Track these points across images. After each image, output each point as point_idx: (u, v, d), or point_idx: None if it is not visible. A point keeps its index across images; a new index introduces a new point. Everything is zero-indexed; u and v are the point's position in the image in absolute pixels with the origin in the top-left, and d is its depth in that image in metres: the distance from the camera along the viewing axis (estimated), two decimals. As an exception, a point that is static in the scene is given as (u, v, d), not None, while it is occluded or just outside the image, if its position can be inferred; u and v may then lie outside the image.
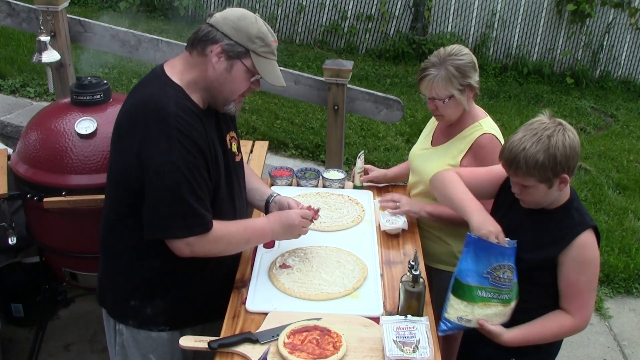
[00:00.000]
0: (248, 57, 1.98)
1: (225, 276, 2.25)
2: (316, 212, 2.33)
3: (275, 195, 2.40)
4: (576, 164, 1.99)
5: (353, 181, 2.92)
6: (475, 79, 2.43)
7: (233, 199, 2.18)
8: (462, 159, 2.48)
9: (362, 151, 2.95)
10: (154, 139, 1.89)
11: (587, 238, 2.01)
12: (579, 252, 2.00)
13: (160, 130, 1.89)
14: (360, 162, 2.87)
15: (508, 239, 2.06)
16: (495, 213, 2.17)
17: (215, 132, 2.08)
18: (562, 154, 1.93)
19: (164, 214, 1.93)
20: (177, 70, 2.02)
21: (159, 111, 1.91)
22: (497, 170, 2.20)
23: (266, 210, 2.39)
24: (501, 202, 2.23)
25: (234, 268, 2.30)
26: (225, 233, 2.05)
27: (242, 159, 2.30)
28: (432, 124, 2.71)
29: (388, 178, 2.91)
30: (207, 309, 2.19)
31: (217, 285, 2.21)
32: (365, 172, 2.90)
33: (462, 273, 2.07)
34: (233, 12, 2.00)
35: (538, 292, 2.10)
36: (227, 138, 2.17)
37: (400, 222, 2.50)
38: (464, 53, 2.42)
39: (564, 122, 1.98)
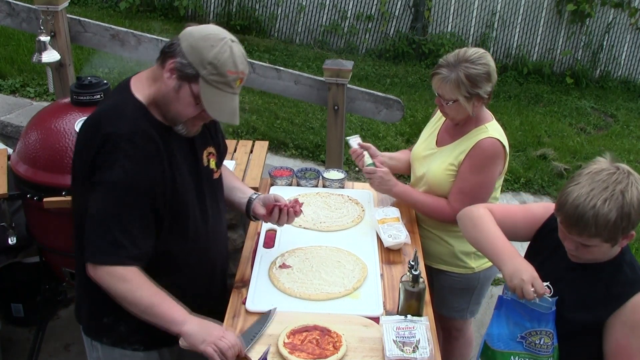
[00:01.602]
0: (196, 83, 1.82)
1: (202, 296, 2.14)
2: (300, 204, 2.30)
3: (259, 194, 2.32)
4: None
5: (362, 165, 2.65)
6: (486, 89, 2.39)
7: (206, 218, 2.07)
8: (463, 159, 2.48)
9: (356, 135, 2.78)
10: (100, 159, 1.82)
11: None
12: (632, 314, 1.76)
13: (107, 152, 1.81)
14: (356, 142, 2.70)
15: (547, 283, 1.83)
16: (531, 260, 1.91)
17: (187, 149, 1.99)
18: (637, 211, 1.69)
19: (90, 234, 1.85)
20: (141, 85, 1.92)
21: (109, 130, 1.83)
22: (535, 211, 2.01)
23: (248, 208, 2.29)
24: (539, 247, 1.99)
25: (211, 290, 2.21)
26: (131, 288, 1.85)
27: (221, 176, 2.19)
28: (434, 123, 2.70)
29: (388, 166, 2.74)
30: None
31: (193, 305, 2.08)
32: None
33: (493, 337, 1.91)
34: (201, 30, 1.85)
35: (581, 353, 1.88)
36: (204, 154, 2.06)
37: (403, 237, 2.44)
38: (481, 62, 2.36)
39: (631, 170, 1.74)
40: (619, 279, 1.80)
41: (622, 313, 1.77)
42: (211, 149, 2.11)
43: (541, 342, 1.85)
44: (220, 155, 2.22)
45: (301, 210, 2.32)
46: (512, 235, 2.00)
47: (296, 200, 2.31)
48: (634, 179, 1.72)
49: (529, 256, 2.00)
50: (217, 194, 2.17)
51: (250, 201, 2.30)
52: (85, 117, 2.75)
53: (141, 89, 1.92)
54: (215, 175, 2.13)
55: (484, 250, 2.00)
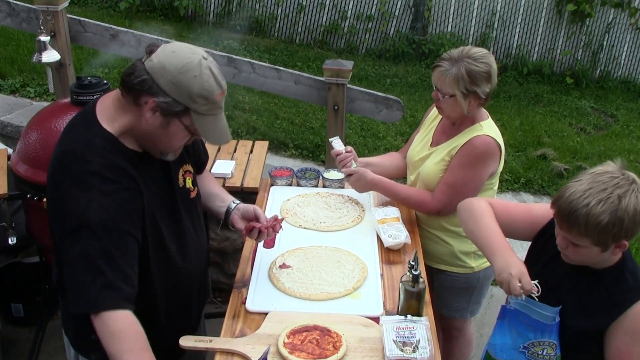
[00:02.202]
0: (187, 116, 1.75)
1: (180, 315, 2.10)
2: (280, 221, 2.22)
3: (238, 202, 2.25)
4: None
5: (347, 168, 2.64)
6: (484, 89, 2.39)
7: (183, 240, 2.00)
8: (454, 155, 2.48)
9: (336, 136, 2.77)
10: (72, 198, 1.71)
11: None
12: (633, 322, 1.74)
13: (80, 190, 1.71)
14: (340, 144, 2.70)
15: (535, 282, 1.81)
16: (532, 265, 1.90)
17: (161, 173, 1.91)
18: (631, 219, 1.65)
19: (75, 282, 1.72)
20: (107, 114, 1.80)
21: (80, 169, 1.73)
22: (537, 212, 1.99)
23: (227, 217, 2.23)
24: (540, 251, 1.96)
25: (198, 303, 2.19)
26: (123, 346, 1.70)
27: (198, 193, 2.09)
28: (429, 124, 2.70)
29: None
30: (173, 344, 1.97)
31: (183, 320, 2.08)
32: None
33: (495, 348, 1.89)
34: (173, 61, 1.71)
35: None
36: (180, 174, 1.98)
37: (403, 237, 2.44)
38: (483, 61, 2.37)
39: (637, 179, 1.70)
40: (620, 286, 1.78)
41: (623, 321, 1.75)
42: (187, 167, 2.03)
43: (544, 353, 1.84)
44: (200, 166, 2.19)
45: (281, 227, 2.24)
46: (511, 232, 1.99)
47: (275, 218, 2.22)
48: (636, 188, 1.68)
49: (529, 261, 1.97)
50: (194, 212, 2.08)
51: (228, 212, 2.23)
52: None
53: (108, 119, 1.80)
54: (192, 195, 2.05)
55: (478, 243, 1.99)
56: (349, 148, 2.71)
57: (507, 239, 1.96)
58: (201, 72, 1.71)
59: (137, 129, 1.79)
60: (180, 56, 1.72)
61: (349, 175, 2.64)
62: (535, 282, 1.81)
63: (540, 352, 1.83)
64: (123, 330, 1.70)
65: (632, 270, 1.80)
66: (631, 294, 1.76)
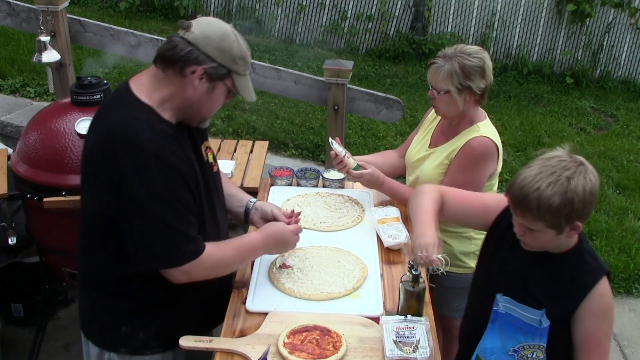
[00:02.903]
0: (229, 78, 1.93)
1: (217, 292, 2.18)
2: (297, 215, 2.31)
3: (254, 201, 2.34)
4: (592, 210, 1.77)
5: (346, 168, 2.65)
6: (478, 84, 2.40)
7: (214, 213, 2.11)
8: (453, 158, 2.48)
9: (334, 138, 2.75)
10: (132, 171, 1.80)
11: (604, 286, 1.82)
12: (598, 302, 1.80)
13: (138, 162, 1.80)
14: (339, 146, 2.69)
15: (443, 255, 1.89)
16: (495, 255, 1.97)
17: (191, 146, 2.01)
18: (581, 199, 1.70)
19: (155, 246, 1.86)
20: (145, 88, 1.90)
21: (132, 141, 1.81)
22: (489, 201, 2.05)
23: (246, 216, 2.33)
24: (499, 241, 1.99)
25: (224, 282, 2.23)
26: (222, 257, 2.01)
27: (218, 169, 2.22)
28: (428, 125, 2.71)
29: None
30: (200, 326, 2.11)
31: (209, 302, 2.14)
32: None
33: (485, 351, 1.89)
34: (213, 30, 1.89)
35: (556, 347, 1.86)
36: (203, 149, 2.09)
37: (403, 237, 2.43)
38: (476, 56, 2.39)
39: (585, 161, 1.77)
40: (582, 268, 1.83)
41: (590, 302, 1.80)
42: (207, 143, 2.15)
43: (533, 356, 1.84)
44: (212, 150, 2.27)
45: (299, 220, 2.31)
46: (465, 220, 2.07)
47: (292, 212, 2.31)
48: (584, 169, 1.73)
49: (491, 249, 2.02)
50: (219, 186, 2.20)
51: (247, 211, 2.33)
52: (85, 118, 2.77)
53: (146, 93, 1.90)
54: (214, 169, 2.17)
55: (412, 219, 2.07)
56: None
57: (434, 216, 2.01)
58: (237, 37, 1.92)
59: (179, 99, 1.90)
60: (216, 25, 1.91)
61: (356, 177, 2.64)
62: (443, 255, 1.88)
63: (530, 355, 1.84)
64: (219, 253, 1.98)
65: (589, 252, 1.86)
66: (593, 274, 1.81)
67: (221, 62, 1.88)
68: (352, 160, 2.66)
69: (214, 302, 2.15)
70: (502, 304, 1.87)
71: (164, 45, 1.90)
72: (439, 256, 1.90)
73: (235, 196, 2.36)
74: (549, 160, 1.75)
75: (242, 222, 2.42)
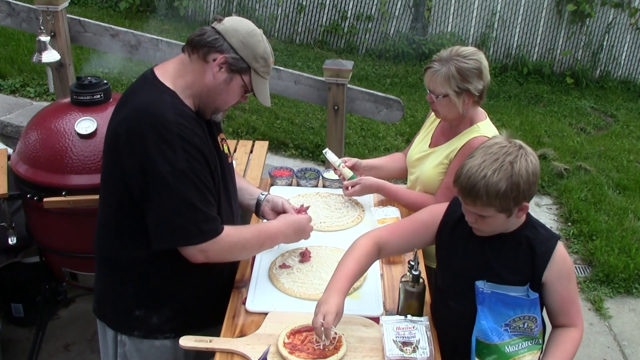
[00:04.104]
0: (248, 74, 2.00)
1: (229, 278, 2.24)
2: (306, 209, 2.37)
3: (265, 194, 2.39)
4: (536, 190, 1.86)
5: (342, 176, 2.72)
6: (476, 86, 2.39)
7: (230, 201, 2.17)
8: (453, 158, 2.48)
9: (326, 149, 2.84)
10: (157, 149, 1.85)
11: (561, 249, 1.93)
12: (562, 265, 1.92)
13: (163, 140, 1.85)
14: (333, 155, 2.74)
15: (338, 333, 1.90)
16: (452, 255, 2.01)
17: (210, 135, 2.06)
18: (526, 181, 1.78)
19: (176, 223, 1.90)
20: (169, 75, 1.98)
21: (158, 120, 1.86)
22: (425, 218, 2.10)
23: (257, 209, 2.37)
24: (453, 239, 2.03)
25: (235, 269, 2.30)
26: (240, 239, 2.05)
27: (232, 161, 2.27)
28: (428, 126, 2.71)
29: (365, 167, 2.79)
30: (213, 312, 2.16)
31: (222, 287, 2.20)
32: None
33: (485, 333, 1.91)
34: (243, 25, 1.99)
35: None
36: (219, 140, 2.15)
37: None
38: (472, 58, 2.38)
39: (524, 144, 1.85)
40: (538, 238, 1.93)
41: (553, 267, 1.90)
42: (222, 135, 2.21)
43: (525, 326, 1.92)
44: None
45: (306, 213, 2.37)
46: (412, 246, 2.09)
47: (302, 206, 2.36)
48: (524, 152, 1.81)
49: (447, 251, 2.04)
50: (232, 175, 2.25)
51: (258, 204, 2.37)
52: (85, 118, 2.77)
53: (171, 79, 1.97)
54: (230, 160, 2.22)
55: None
56: (345, 159, 2.75)
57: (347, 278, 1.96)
58: (263, 39, 2.02)
59: (199, 86, 1.97)
60: (246, 23, 2.02)
61: (352, 186, 2.66)
62: (337, 332, 1.88)
63: (521, 326, 1.91)
64: (238, 235, 2.04)
65: (539, 224, 1.98)
66: (549, 242, 1.92)
67: (243, 55, 1.96)
68: (347, 170, 2.70)
69: (226, 295, 2.17)
70: (485, 286, 1.92)
71: (195, 32, 1.99)
72: (334, 331, 1.88)
73: (246, 189, 2.41)
74: (490, 147, 1.82)
75: (243, 215, 2.44)
